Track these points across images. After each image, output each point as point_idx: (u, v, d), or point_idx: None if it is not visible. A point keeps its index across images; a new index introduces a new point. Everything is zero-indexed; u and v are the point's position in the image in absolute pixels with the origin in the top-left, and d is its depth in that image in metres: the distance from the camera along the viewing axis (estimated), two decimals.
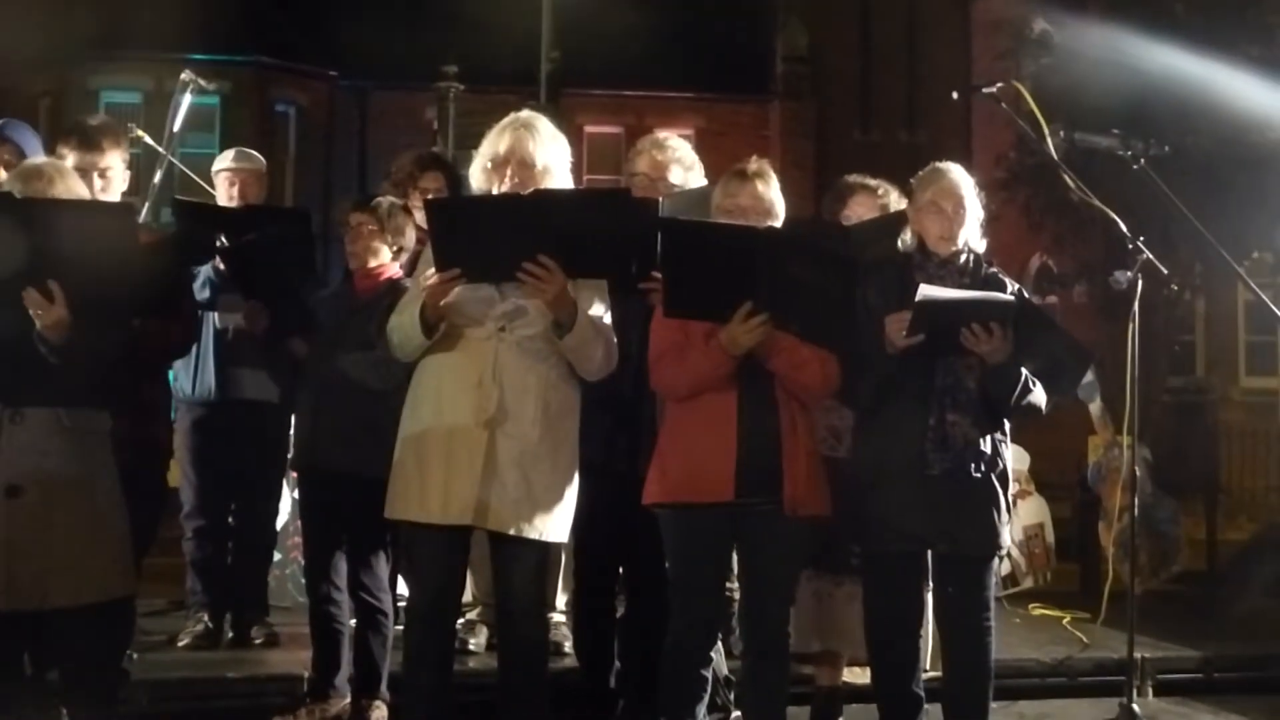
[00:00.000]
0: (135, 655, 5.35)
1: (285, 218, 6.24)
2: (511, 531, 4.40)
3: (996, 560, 4.95)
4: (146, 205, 6.15)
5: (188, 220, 5.78)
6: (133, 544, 4.32)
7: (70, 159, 4.89)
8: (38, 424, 4.08)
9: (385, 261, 5.36)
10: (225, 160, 6.40)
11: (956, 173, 4.86)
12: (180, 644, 6.17)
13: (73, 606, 4.07)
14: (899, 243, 4.87)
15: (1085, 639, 6.95)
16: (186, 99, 6.57)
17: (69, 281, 3.99)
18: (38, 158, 4.74)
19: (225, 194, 6.30)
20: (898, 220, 4.98)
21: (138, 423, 4.58)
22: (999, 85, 5.53)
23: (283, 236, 5.65)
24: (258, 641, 6.26)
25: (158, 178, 6.39)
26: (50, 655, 4.24)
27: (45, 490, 4.06)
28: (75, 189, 4.30)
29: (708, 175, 5.27)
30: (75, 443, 4.13)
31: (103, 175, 4.97)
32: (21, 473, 4.05)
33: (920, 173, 4.91)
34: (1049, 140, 5.59)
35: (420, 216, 5.83)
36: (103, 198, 4.92)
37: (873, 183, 5.46)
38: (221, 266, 5.74)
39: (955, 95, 6.99)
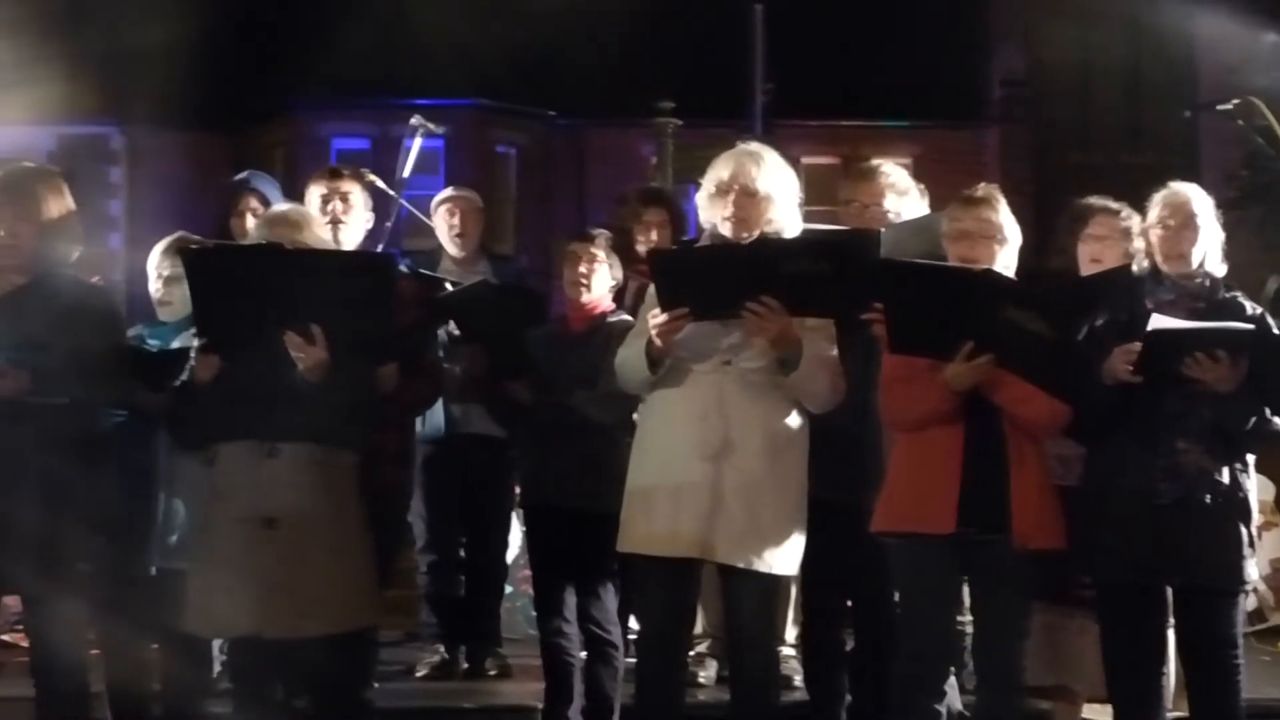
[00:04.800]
0: (376, 684, 5.49)
1: (520, 299, 6.27)
2: (739, 564, 4.41)
3: (1242, 595, 4.78)
4: (379, 248, 6.33)
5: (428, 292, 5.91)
6: None
7: (316, 188, 5.25)
8: (292, 459, 4.24)
9: (602, 294, 5.43)
10: (445, 192, 6.58)
11: (1189, 190, 4.74)
12: (418, 674, 6.31)
13: (325, 635, 4.22)
14: (1134, 267, 4.76)
15: None
16: (416, 142, 6.77)
17: (329, 325, 4.16)
18: (283, 204, 4.98)
19: (445, 224, 6.45)
20: (1128, 270, 4.87)
21: (377, 462, 4.71)
22: (1235, 101, 5.36)
23: (514, 287, 5.78)
24: (491, 673, 6.37)
25: (389, 221, 6.58)
26: (300, 683, 4.38)
27: (300, 523, 4.22)
28: (319, 233, 4.50)
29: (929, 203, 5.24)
30: (326, 478, 4.29)
31: (344, 199, 5.31)
32: (277, 505, 4.22)
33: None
34: None
35: (640, 249, 5.92)
36: (344, 219, 5.22)
37: (1114, 205, 5.33)
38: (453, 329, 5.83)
39: (1187, 114, 6.79)
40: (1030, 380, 4.36)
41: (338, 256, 4.65)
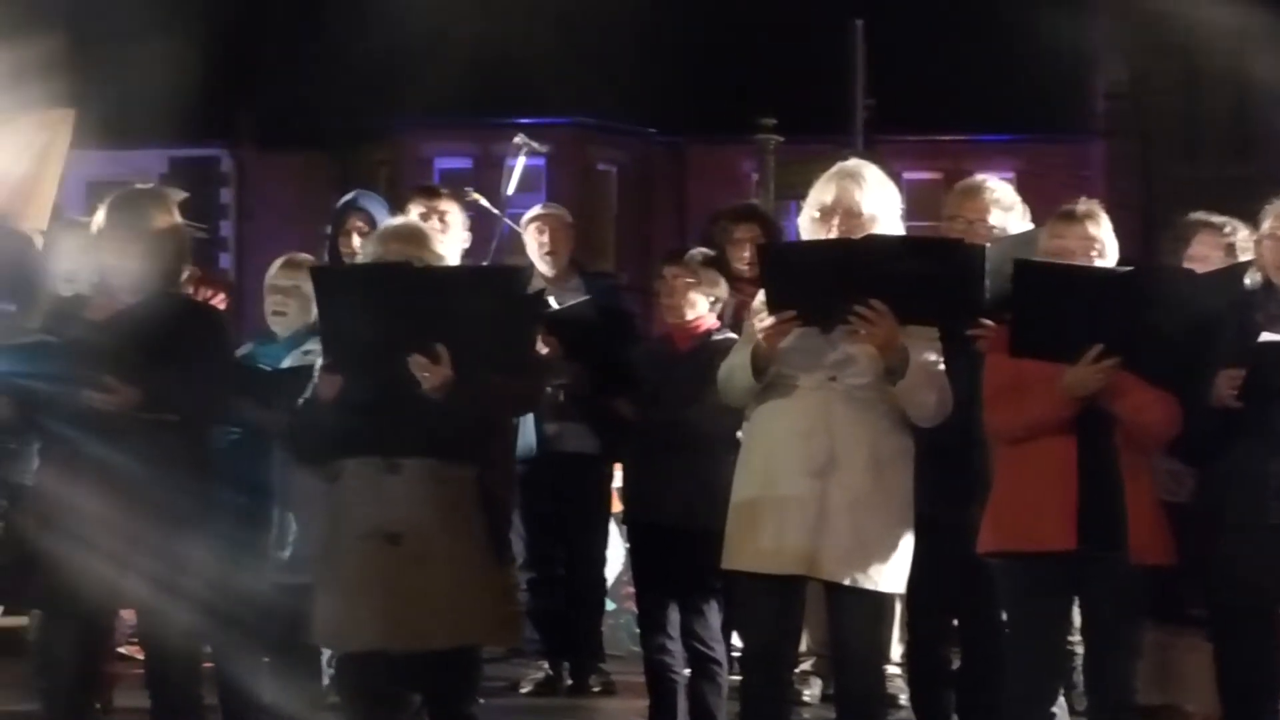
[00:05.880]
0: (481, 700, 5.54)
1: (618, 319, 6.31)
2: (845, 581, 4.39)
3: None
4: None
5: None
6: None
7: (415, 207, 5.33)
8: (413, 475, 4.28)
9: (702, 314, 5.43)
10: (533, 210, 6.61)
11: None
12: (522, 690, 6.36)
13: (448, 649, 4.27)
14: (1245, 281, 4.70)
15: None
16: (520, 160, 6.82)
17: (454, 342, 4.19)
18: (397, 219, 4.98)
19: (535, 242, 6.48)
20: (1244, 269, 4.80)
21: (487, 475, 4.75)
22: None
23: (606, 305, 5.80)
24: (595, 690, 6.40)
25: (494, 240, 6.65)
26: (408, 698, 4.42)
27: (423, 538, 4.26)
28: (436, 248, 4.53)
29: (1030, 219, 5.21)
30: (448, 492, 4.32)
31: (442, 219, 5.41)
32: (400, 521, 4.25)
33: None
34: None
35: (736, 266, 5.92)
36: (441, 238, 5.22)
37: (1217, 220, 5.26)
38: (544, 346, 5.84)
39: None
40: (1157, 383, 4.31)
41: (470, 272, 4.68)
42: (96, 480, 4.40)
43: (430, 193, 5.57)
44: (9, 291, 5.50)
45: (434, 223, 5.33)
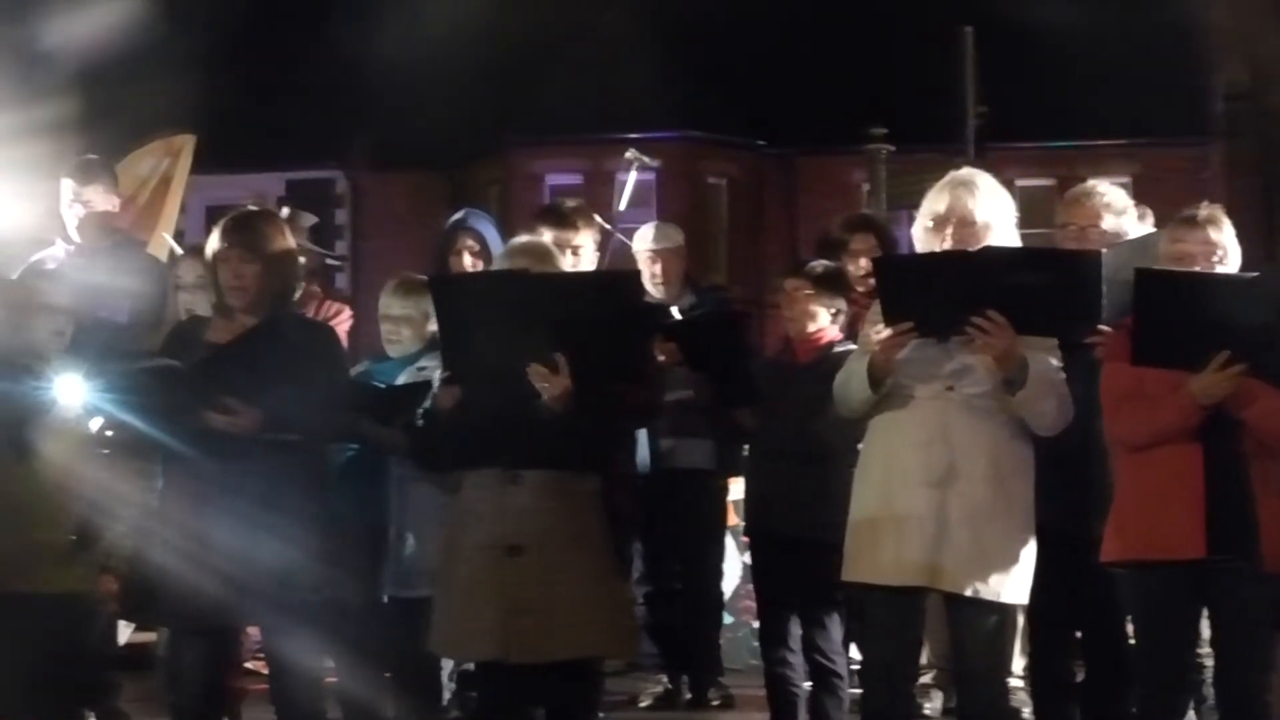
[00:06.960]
0: (601, 714, 5.55)
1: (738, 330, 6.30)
2: (967, 592, 4.35)
3: None
4: None
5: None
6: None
7: (546, 236, 5.20)
8: (535, 486, 4.31)
9: (824, 325, 5.39)
10: (645, 240, 6.51)
11: None
12: (641, 704, 6.37)
13: (569, 662, 4.28)
14: None
15: None
16: (632, 176, 6.82)
17: (574, 351, 4.21)
18: (524, 237, 4.95)
19: (648, 271, 6.45)
20: None
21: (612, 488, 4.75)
22: None
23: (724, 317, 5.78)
24: (714, 703, 6.39)
25: (606, 255, 6.66)
26: (530, 712, 4.45)
27: (545, 549, 4.28)
28: (561, 267, 4.53)
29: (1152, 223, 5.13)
30: (570, 504, 4.35)
31: (575, 252, 5.33)
32: (522, 532, 4.29)
33: None
34: None
35: (852, 277, 5.89)
36: (573, 261, 5.22)
37: None
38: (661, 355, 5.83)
39: None
40: None
41: (584, 278, 4.67)
42: (219, 499, 4.46)
43: (563, 222, 5.43)
44: (132, 309, 5.61)
45: (567, 256, 5.23)
